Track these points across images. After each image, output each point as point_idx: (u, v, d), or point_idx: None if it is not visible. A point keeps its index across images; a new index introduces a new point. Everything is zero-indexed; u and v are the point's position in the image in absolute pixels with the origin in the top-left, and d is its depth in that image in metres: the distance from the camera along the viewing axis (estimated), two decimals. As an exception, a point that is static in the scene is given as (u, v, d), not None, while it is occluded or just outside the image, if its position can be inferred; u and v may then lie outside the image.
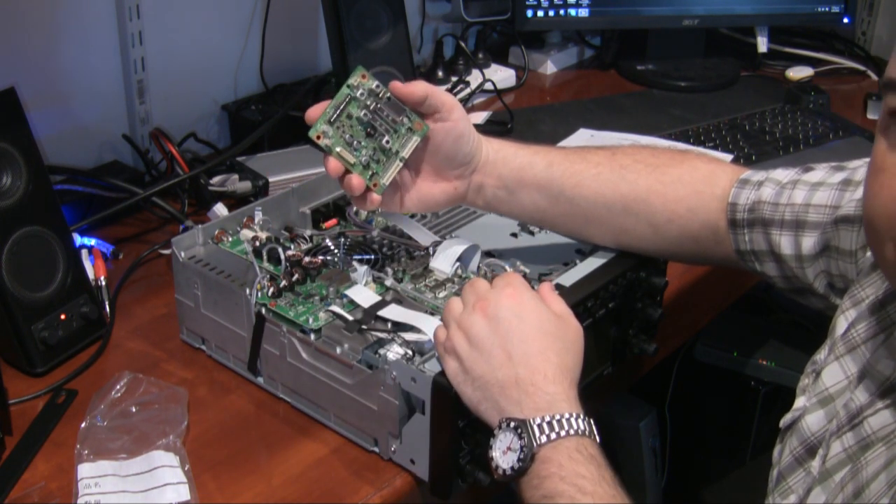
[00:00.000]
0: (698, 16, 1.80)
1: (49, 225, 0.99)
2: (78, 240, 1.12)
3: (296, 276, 0.93)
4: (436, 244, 0.98)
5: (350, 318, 0.88)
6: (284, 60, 1.56)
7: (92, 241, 1.15)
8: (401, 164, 0.89)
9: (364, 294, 0.91)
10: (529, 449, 0.72)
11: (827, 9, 1.83)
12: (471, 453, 0.81)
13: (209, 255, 0.99)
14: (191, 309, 0.99)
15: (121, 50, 1.34)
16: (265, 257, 0.97)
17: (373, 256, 0.99)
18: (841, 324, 0.77)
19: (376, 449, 0.86)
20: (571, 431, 0.72)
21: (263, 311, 0.90)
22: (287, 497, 0.83)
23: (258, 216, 1.04)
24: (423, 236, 0.99)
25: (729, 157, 1.42)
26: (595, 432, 0.74)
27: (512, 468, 0.73)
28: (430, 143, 0.90)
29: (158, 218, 1.26)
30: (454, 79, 1.66)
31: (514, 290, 0.80)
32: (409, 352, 0.84)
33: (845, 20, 1.84)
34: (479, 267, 0.97)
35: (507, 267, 0.95)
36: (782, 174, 0.89)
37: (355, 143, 0.88)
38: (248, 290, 0.91)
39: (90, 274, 1.07)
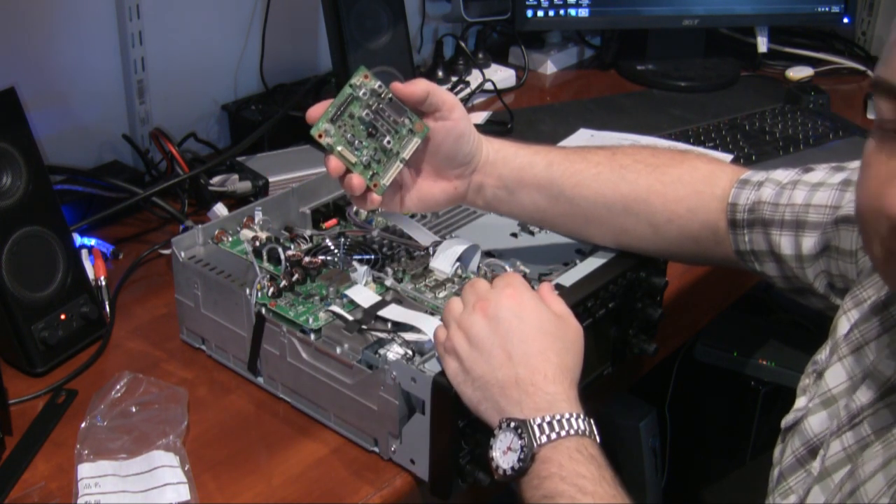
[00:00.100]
0: (698, 16, 1.80)
1: (49, 225, 0.99)
2: (78, 240, 1.12)
3: (296, 276, 0.93)
4: (436, 244, 0.98)
5: (350, 318, 0.88)
6: (284, 60, 1.56)
7: (92, 241, 1.15)
8: (401, 166, 0.89)
9: (364, 294, 0.91)
10: (530, 449, 0.72)
11: (827, 9, 1.83)
12: (471, 453, 0.81)
13: (209, 255, 0.99)
14: (191, 309, 0.99)
15: (121, 50, 1.34)
16: (265, 257, 0.97)
17: (373, 256, 0.99)
18: (843, 324, 0.77)
19: (376, 449, 0.86)
20: (572, 431, 0.72)
21: (263, 311, 0.90)
22: (287, 497, 0.83)
23: (258, 216, 1.04)
24: (423, 236, 0.99)
25: (729, 157, 1.42)
26: (595, 432, 0.74)
27: (512, 468, 0.73)
28: (430, 142, 0.90)
29: (158, 218, 1.26)
30: (454, 79, 1.66)
31: (514, 291, 0.80)
32: (409, 352, 0.84)
33: (845, 20, 1.84)
34: (479, 267, 0.97)
35: (507, 267, 0.95)
36: (782, 174, 0.89)
37: (356, 142, 0.88)
38: (248, 290, 0.91)
39: (90, 274, 1.07)
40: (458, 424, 0.79)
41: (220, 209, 1.19)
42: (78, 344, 1.00)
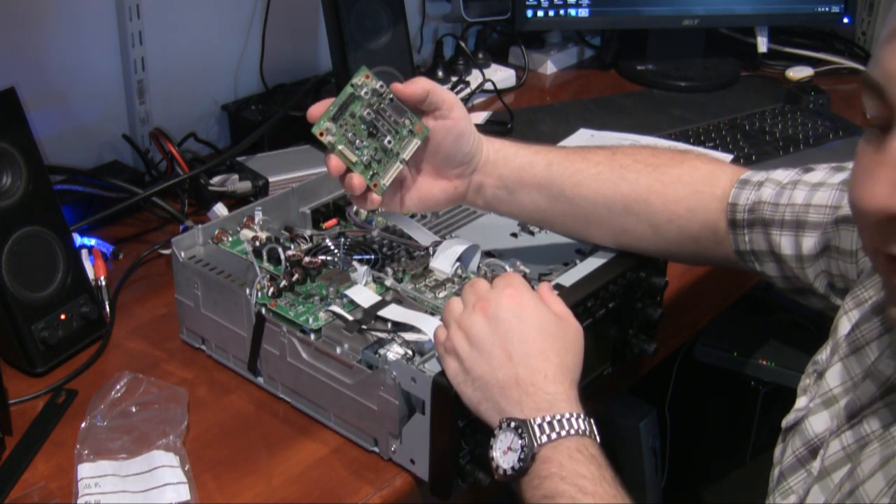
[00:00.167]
0: (698, 16, 1.80)
1: (49, 225, 0.99)
2: (78, 240, 1.12)
3: (296, 276, 0.93)
4: (436, 244, 0.98)
5: (350, 318, 0.88)
6: (284, 60, 1.56)
7: (92, 241, 1.15)
8: (401, 167, 0.89)
9: (364, 294, 0.91)
10: (530, 449, 0.72)
11: (827, 9, 1.82)
12: (471, 453, 0.81)
13: (209, 255, 0.99)
14: (191, 309, 0.98)
15: (121, 50, 1.34)
16: (265, 257, 0.97)
17: (373, 256, 0.99)
18: (844, 324, 0.76)
19: (376, 449, 0.86)
20: (572, 431, 0.72)
21: (263, 311, 0.90)
22: (287, 497, 0.83)
23: (258, 216, 1.04)
24: (423, 236, 0.99)
25: (729, 157, 1.42)
26: (595, 432, 0.74)
27: (512, 468, 0.73)
28: (430, 141, 0.90)
29: (158, 218, 1.26)
30: (454, 79, 1.66)
31: (514, 291, 0.80)
32: (409, 352, 0.84)
33: (845, 20, 1.84)
34: (479, 267, 0.97)
35: (507, 267, 0.95)
36: (782, 175, 0.89)
37: (357, 142, 0.88)
38: (248, 290, 0.91)
39: (90, 274, 1.07)
40: (458, 424, 0.79)
41: (220, 209, 1.19)
42: (78, 344, 1.00)
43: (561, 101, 1.71)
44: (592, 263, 0.95)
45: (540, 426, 0.72)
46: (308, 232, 1.04)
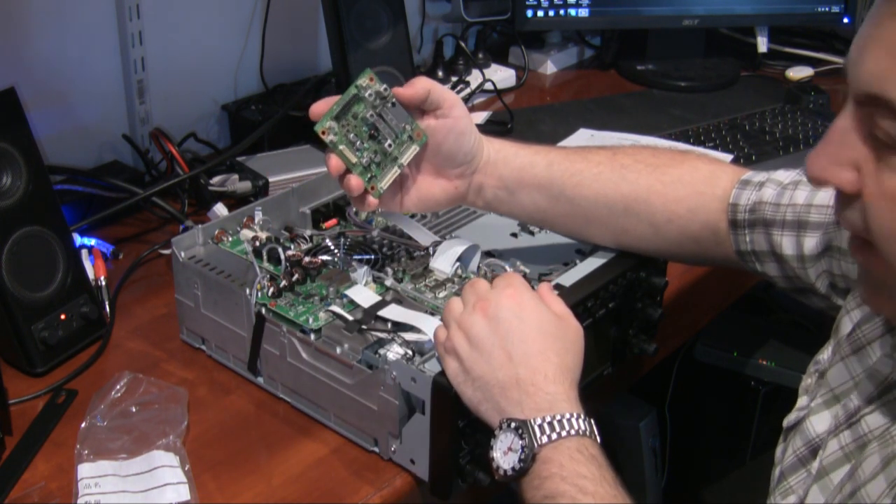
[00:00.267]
0: (698, 16, 1.80)
1: (49, 225, 0.99)
2: (78, 240, 1.12)
3: (296, 276, 0.93)
4: (436, 244, 0.98)
5: (350, 318, 0.88)
6: (284, 60, 1.56)
7: (92, 241, 1.15)
8: (398, 171, 0.89)
9: (364, 294, 0.91)
10: (530, 449, 0.72)
11: (827, 9, 1.82)
12: (471, 453, 0.81)
13: (209, 255, 0.99)
14: (191, 309, 0.98)
15: (121, 50, 1.34)
16: (265, 257, 0.97)
17: (373, 256, 0.99)
18: (846, 324, 0.77)
19: (376, 449, 0.86)
20: (572, 432, 0.72)
21: (263, 311, 0.90)
22: (287, 497, 0.83)
23: (258, 216, 1.04)
24: (423, 236, 0.99)
25: (729, 157, 1.42)
26: (596, 432, 0.74)
27: (513, 469, 0.73)
28: (431, 140, 0.90)
29: (158, 218, 1.26)
30: (454, 79, 1.66)
31: (514, 291, 0.80)
32: (409, 352, 0.84)
33: (845, 20, 1.84)
34: (479, 267, 0.97)
35: (507, 267, 0.95)
36: (783, 175, 0.89)
37: (358, 143, 0.88)
38: (248, 290, 0.91)
39: (90, 274, 1.07)
40: (458, 424, 0.79)
41: (220, 209, 1.19)
42: (78, 344, 1.00)
43: (561, 101, 1.71)
44: (592, 263, 0.95)
45: (540, 426, 0.72)
46: (308, 232, 1.04)
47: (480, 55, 1.77)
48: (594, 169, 0.93)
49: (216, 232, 1.01)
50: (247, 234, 1.02)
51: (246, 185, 1.26)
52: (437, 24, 1.84)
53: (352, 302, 0.90)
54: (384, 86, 0.88)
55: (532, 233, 1.05)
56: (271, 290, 0.91)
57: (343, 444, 0.88)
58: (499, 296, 0.79)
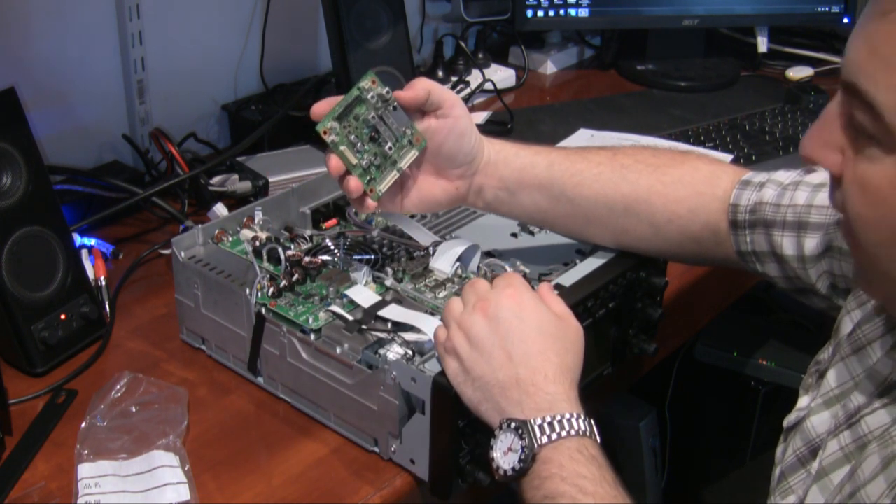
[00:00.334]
0: (698, 16, 1.80)
1: (49, 225, 0.99)
2: (78, 240, 1.12)
3: (296, 276, 0.93)
4: (436, 244, 0.98)
5: (350, 318, 0.88)
6: (284, 60, 1.56)
7: (92, 241, 1.15)
8: (397, 174, 0.89)
9: (364, 294, 0.91)
10: (530, 449, 0.72)
11: (827, 9, 1.82)
12: (471, 453, 0.81)
13: (209, 255, 0.99)
14: (191, 309, 0.98)
15: (121, 50, 1.34)
16: (265, 257, 0.97)
17: (373, 256, 0.99)
18: (846, 324, 0.76)
19: (376, 449, 0.86)
20: (572, 432, 0.72)
21: (263, 311, 0.90)
22: (287, 497, 0.83)
23: (258, 216, 1.04)
24: (423, 236, 0.99)
25: (729, 157, 1.42)
26: (596, 433, 0.74)
27: (513, 469, 0.73)
28: (432, 140, 0.90)
29: (158, 218, 1.26)
30: (454, 79, 1.66)
31: (514, 291, 0.80)
32: (409, 352, 0.84)
33: (845, 20, 1.83)
34: (479, 267, 0.97)
35: (507, 267, 0.95)
36: (784, 175, 0.89)
37: (359, 144, 0.88)
38: (248, 290, 0.91)
39: (90, 274, 1.07)
40: (458, 424, 0.79)
41: (220, 209, 1.19)
42: (78, 344, 1.00)
43: (561, 101, 1.71)
44: (592, 263, 0.95)
45: (540, 427, 0.72)
46: (308, 232, 1.04)
47: (480, 55, 1.77)
48: (595, 169, 0.93)
49: (216, 232, 1.01)
50: (247, 234, 1.02)
51: (246, 185, 1.26)
52: (437, 24, 1.84)
53: (352, 302, 0.90)
54: (386, 89, 0.88)
55: (532, 233, 1.05)
56: (271, 290, 0.91)
57: (343, 444, 0.88)
58: (499, 296, 0.79)
